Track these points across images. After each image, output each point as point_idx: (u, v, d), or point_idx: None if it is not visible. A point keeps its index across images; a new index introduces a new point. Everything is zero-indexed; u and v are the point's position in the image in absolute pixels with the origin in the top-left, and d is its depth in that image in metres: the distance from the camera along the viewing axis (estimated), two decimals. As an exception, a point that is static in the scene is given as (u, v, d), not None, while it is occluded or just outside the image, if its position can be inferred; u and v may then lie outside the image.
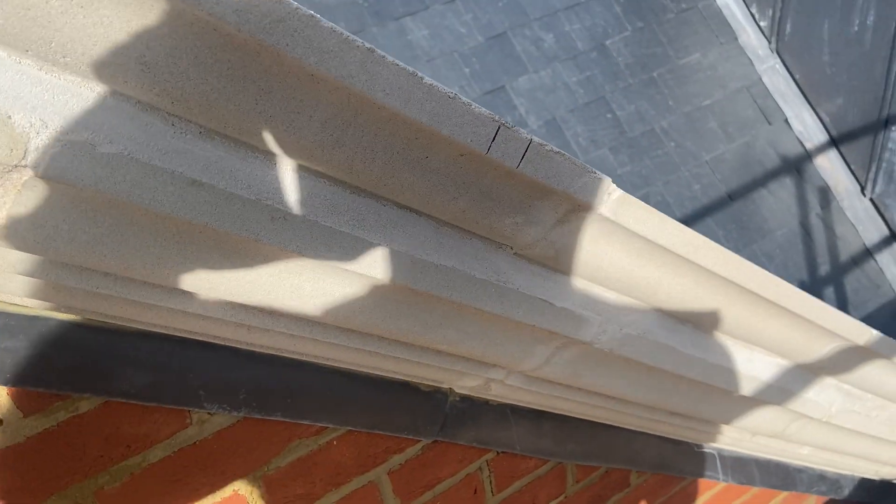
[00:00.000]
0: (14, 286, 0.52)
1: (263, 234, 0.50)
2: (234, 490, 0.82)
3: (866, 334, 0.92)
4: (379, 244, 0.56)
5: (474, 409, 0.96)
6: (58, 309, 0.60)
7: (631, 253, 0.67)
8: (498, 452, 1.05)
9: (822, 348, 0.93)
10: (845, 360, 1.00)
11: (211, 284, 0.54)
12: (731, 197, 3.67)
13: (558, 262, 0.66)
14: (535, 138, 0.52)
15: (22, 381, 0.61)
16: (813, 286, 3.70)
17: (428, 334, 0.68)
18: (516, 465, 1.09)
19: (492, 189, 0.55)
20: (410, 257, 0.58)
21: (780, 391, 1.00)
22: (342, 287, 0.59)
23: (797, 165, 3.84)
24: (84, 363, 0.64)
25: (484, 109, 0.49)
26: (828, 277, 3.74)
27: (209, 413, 0.75)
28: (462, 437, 0.97)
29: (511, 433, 1.02)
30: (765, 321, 0.83)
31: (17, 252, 0.48)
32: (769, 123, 3.85)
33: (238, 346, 0.71)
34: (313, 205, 0.51)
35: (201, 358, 0.70)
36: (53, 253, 0.46)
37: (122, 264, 0.48)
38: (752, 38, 3.92)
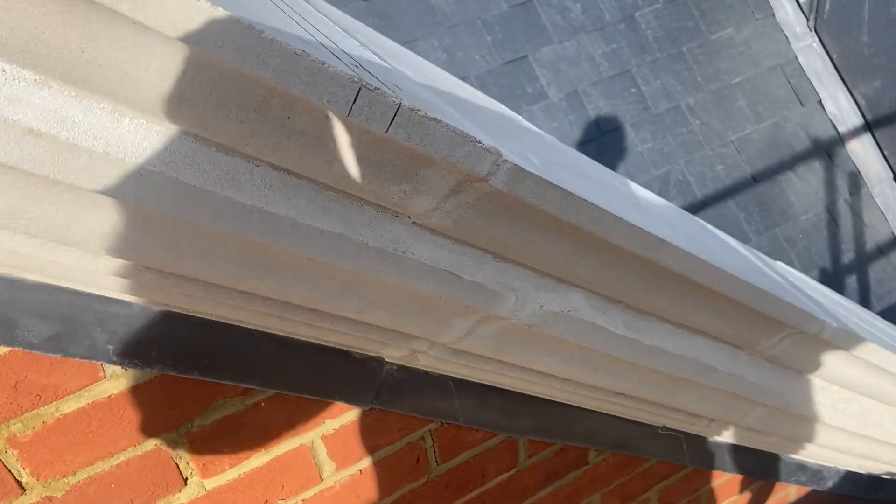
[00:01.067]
0: None
1: (118, 190, 0.49)
2: (155, 444, 0.82)
3: (816, 325, 0.88)
4: (253, 205, 0.54)
5: (413, 379, 0.95)
6: (-52, 256, 0.60)
7: (535, 228, 0.64)
8: (442, 423, 1.04)
9: (769, 338, 0.89)
10: (800, 351, 0.96)
11: (78, 238, 0.53)
12: (756, 179, 3.56)
13: (461, 234, 0.65)
14: (406, 102, 0.50)
15: (-84, 325, 0.62)
16: (835, 274, 3.59)
17: (330, 301, 0.67)
18: (462, 436, 1.08)
19: (368, 154, 0.54)
20: (292, 222, 0.57)
21: (729, 377, 0.97)
22: (223, 247, 0.58)
23: (828, 149, 3.69)
24: (-17, 311, 0.64)
25: (343, 69, 0.47)
26: (851, 266, 3.62)
27: (123, 368, 0.76)
28: (399, 405, 0.97)
29: (454, 404, 1.01)
30: (697, 307, 0.80)
31: None
32: (802, 104, 3.70)
33: (149, 305, 0.72)
34: (173, 161, 0.50)
35: (110, 312, 0.71)
36: None
37: (-29, 213, 0.48)
38: (789, 14, 3.76)
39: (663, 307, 0.81)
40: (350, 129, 0.51)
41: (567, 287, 0.74)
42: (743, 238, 3.51)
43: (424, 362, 0.89)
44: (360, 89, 0.48)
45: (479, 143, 0.54)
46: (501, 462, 1.16)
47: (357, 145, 0.53)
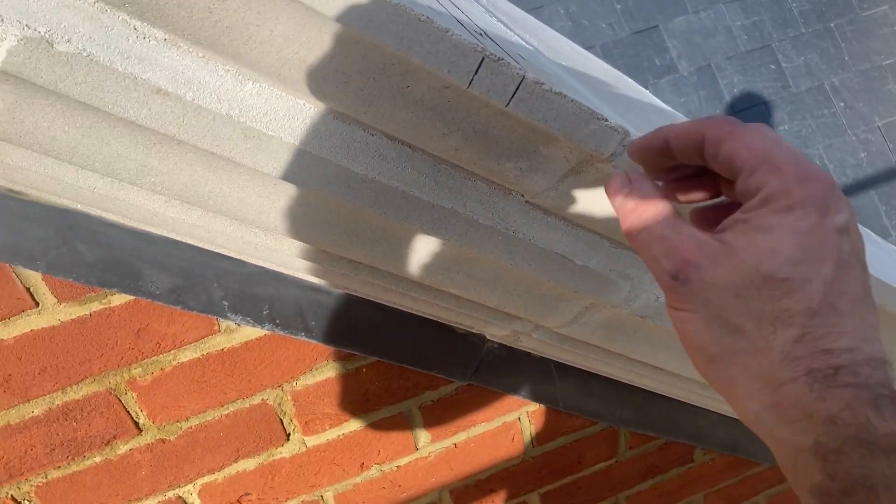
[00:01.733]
0: (26, 180, 0.56)
1: (236, 152, 0.50)
2: (262, 399, 0.85)
3: None
4: (366, 175, 0.54)
5: (513, 358, 0.93)
6: (83, 206, 0.64)
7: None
8: (540, 405, 1.02)
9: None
10: None
11: (198, 197, 0.54)
12: (903, 170, 3.25)
13: (578, 217, 0.61)
14: (531, 75, 0.47)
15: (54, 269, 0.66)
16: None
17: (434, 276, 0.66)
18: (561, 421, 1.05)
19: (487, 128, 0.51)
20: (403, 193, 0.56)
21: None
22: (332, 214, 0.58)
23: None
24: (113, 260, 0.68)
25: (466, 38, 0.45)
26: None
27: (236, 323, 0.78)
28: (498, 384, 0.95)
29: (554, 388, 0.99)
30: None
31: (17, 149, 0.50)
32: (963, 90, 3.33)
33: (262, 265, 0.73)
34: (290, 127, 0.50)
35: (227, 270, 0.73)
36: (38, 148, 0.48)
37: (103, 166, 0.50)
38: (958, -11, 3.36)
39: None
40: (469, 100, 0.49)
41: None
42: (882, 233, 3.23)
43: (527, 344, 0.86)
44: (482, 59, 0.45)
45: (606, 120, 0.50)
46: (600, 451, 1.13)
47: (475, 118, 0.50)
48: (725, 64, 3.44)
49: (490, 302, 0.70)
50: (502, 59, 0.46)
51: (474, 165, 0.55)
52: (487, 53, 0.45)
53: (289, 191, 0.55)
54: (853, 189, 3.28)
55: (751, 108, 3.37)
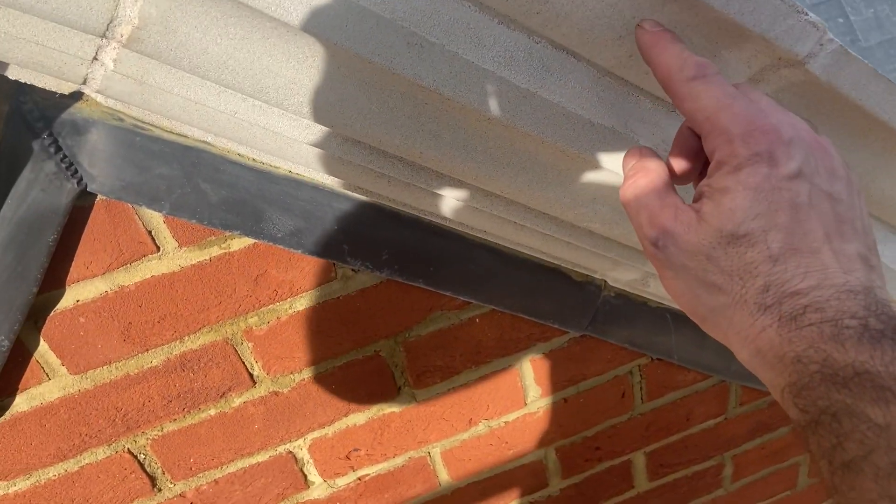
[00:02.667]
0: (163, 106, 0.53)
1: (397, 62, 0.46)
2: (375, 350, 0.82)
3: None
4: (527, 89, 0.49)
5: (630, 308, 0.88)
6: (215, 137, 0.60)
7: (842, 134, 0.54)
8: (652, 359, 0.97)
9: None
10: None
11: (344, 119, 0.51)
12: None
13: (744, 136, 0.56)
14: (730, -40, 0.42)
15: (178, 210, 0.63)
16: None
17: (578, 209, 0.62)
18: (672, 375, 1.01)
19: (669, 29, 0.46)
20: (563, 110, 0.51)
21: None
22: (480, 140, 0.53)
23: None
24: (236, 200, 0.65)
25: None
26: None
27: (353, 270, 0.75)
28: (613, 335, 0.91)
29: (669, 339, 0.94)
30: None
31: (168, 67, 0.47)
32: None
33: (384, 205, 0.69)
34: (455, 33, 0.46)
35: (347, 212, 0.69)
36: (187, 65, 0.45)
37: (252, 83, 0.46)
38: None
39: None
40: (657, -7, 0.44)
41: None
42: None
43: (654, 289, 0.82)
44: (684, -60, 0.40)
45: (806, 14, 0.45)
46: (709, 407, 1.08)
47: (659, 16, 0.45)
48: (791, 18, 3.29)
49: (631, 239, 0.66)
50: (703, -60, 0.41)
51: (644, 76, 0.50)
52: (688, -67, 0.40)
53: (441, 109, 0.51)
54: (932, 145, 3.12)
55: (819, 64, 3.22)
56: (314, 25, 0.43)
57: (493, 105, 0.50)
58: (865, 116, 0.52)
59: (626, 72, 0.50)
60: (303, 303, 0.76)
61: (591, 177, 0.58)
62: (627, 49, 0.48)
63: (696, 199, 0.41)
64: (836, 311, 0.34)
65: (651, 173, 0.43)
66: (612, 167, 0.56)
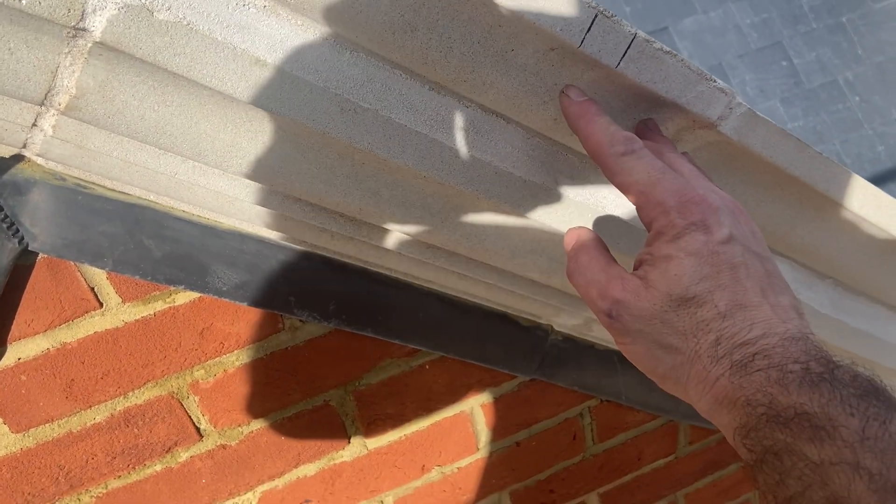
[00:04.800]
0: (103, 168, 0.54)
1: (332, 126, 0.47)
2: (325, 400, 0.83)
3: None
4: (459, 149, 0.51)
5: (577, 351, 0.90)
6: (157, 196, 0.61)
7: (752, 187, 0.57)
8: (602, 400, 0.99)
9: None
10: None
11: (284, 179, 0.52)
12: (923, 161, 3.22)
13: (669, 190, 0.59)
14: (641, 33, 0.45)
15: (120, 266, 0.64)
16: None
17: (517, 259, 0.64)
18: (622, 416, 1.02)
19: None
20: (495, 169, 0.54)
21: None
22: (417, 196, 0.55)
23: None
24: (180, 255, 0.65)
25: (578, -6, 0.43)
26: None
27: (301, 321, 0.76)
28: (562, 378, 0.92)
29: (617, 381, 0.96)
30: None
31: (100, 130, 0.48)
32: (980, 79, 3.31)
33: (330, 256, 0.71)
34: (388, 99, 0.48)
35: (293, 264, 0.70)
36: (125, 130, 0.46)
37: (190, 147, 0.48)
38: (970, -22, 3.36)
39: (881, 287, 0.72)
40: (575, 63, 0.46)
41: (775, 256, 0.67)
42: (905, 226, 3.19)
43: (598, 333, 0.84)
44: (596, 16, 0.43)
45: (715, 81, 0.48)
46: (660, 446, 1.10)
47: (579, 83, 0.48)
48: (737, 62, 3.44)
49: (570, 287, 0.68)
50: (615, 15, 0.44)
51: (570, 137, 0.53)
52: (601, 10, 0.43)
53: (379, 169, 0.52)
54: (873, 182, 3.24)
55: (765, 105, 3.35)
56: (249, 95, 0.44)
57: (428, 165, 0.52)
58: (778, 172, 0.55)
59: (553, 133, 0.52)
60: (250, 355, 0.76)
61: (527, 230, 0.61)
62: (552, 113, 0.50)
63: (637, 266, 0.44)
64: (781, 357, 0.36)
65: (591, 250, 0.46)
66: (546, 221, 0.59)
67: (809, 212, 0.61)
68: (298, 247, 0.69)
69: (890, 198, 0.59)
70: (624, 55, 0.45)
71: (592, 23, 0.43)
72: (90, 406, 0.72)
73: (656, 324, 0.41)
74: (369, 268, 0.72)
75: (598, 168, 0.56)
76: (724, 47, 3.42)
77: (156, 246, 0.64)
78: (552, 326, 0.85)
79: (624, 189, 0.44)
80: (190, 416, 0.77)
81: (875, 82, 3.34)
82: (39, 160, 0.54)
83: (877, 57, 3.33)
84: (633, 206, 0.47)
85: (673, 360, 0.41)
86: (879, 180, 3.27)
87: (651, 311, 0.41)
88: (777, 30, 3.43)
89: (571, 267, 0.47)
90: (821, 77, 3.39)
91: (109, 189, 0.60)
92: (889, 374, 0.88)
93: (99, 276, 0.65)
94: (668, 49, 0.46)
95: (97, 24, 0.39)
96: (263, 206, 0.57)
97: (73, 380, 0.70)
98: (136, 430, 0.75)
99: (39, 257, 0.62)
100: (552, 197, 0.56)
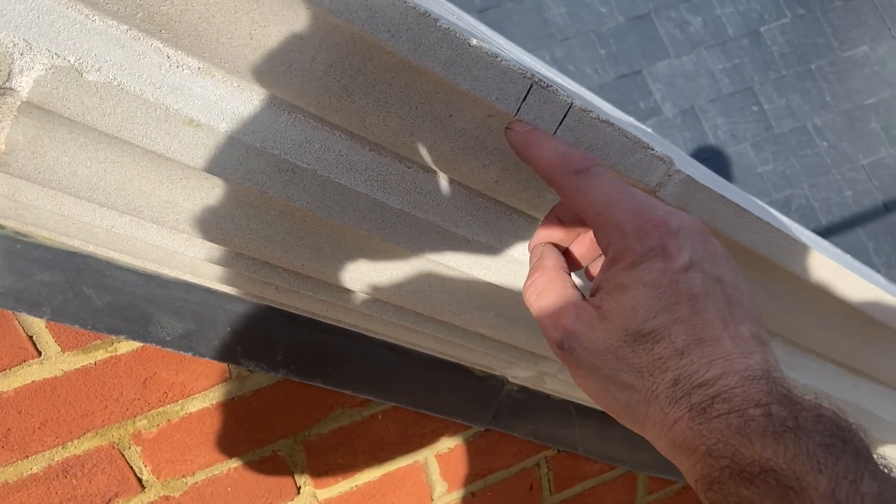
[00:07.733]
0: (38, 220, 0.53)
1: (269, 185, 0.47)
2: (273, 450, 0.81)
3: None
4: (401, 209, 0.51)
5: (533, 401, 0.90)
6: (95, 248, 0.60)
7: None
8: (559, 451, 0.98)
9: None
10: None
11: (223, 235, 0.51)
12: (888, 207, 3.29)
13: (615, 251, 0.59)
14: (578, 102, 0.45)
15: (60, 315, 0.62)
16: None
17: (464, 315, 0.63)
18: (579, 466, 1.01)
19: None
20: (438, 228, 0.53)
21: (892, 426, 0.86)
22: (360, 252, 0.55)
23: (973, 177, 3.37)
24: (122, 305, 0.64)
25: (516, 64, 0.43)
26: None
27: (248, 370, 0.74)
28: (518, 429, 0.92)
29: (573, 432, 0.95)
30: (873, 348, 0.70)
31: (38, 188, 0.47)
32: (943, 128, 3.40)
33: (277, 307, 0.70)
34: (327, 160, 0.48)
35: (240, 314, 0.69)
36: (57, 185, 0.45)
37: (125, 203, 0.47)
38: (932, 30, 3.47)
39: (828, 345, 0.73)
40: (514, 130, 0.47)
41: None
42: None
43: (551, 385, 0.83)
44: (531, 86, 0.44)
45: (652, 149, 0.49)
46: (618, 497, 1.09)
47: (519, 148, 0.48)
48: (709, 106, 3.50)
49: (520, 342, 0.68)
50: (550, 85, 0.44)
51: (513, 198, 0.53)
52: (536, 80, 0.44)
53: (319, 228, 0.52)
54: (840, 227, 3.31)
55: (735, 149, 3.41)
56: (182, 154, 0.44)
57: (369, 224, 0.51)
58: (719, 236, 0.56)
59: (496, 194, 0.53)
60: (195, 404, 0.74)
61: (473, 286, 0.60)
62: (494, 176, 0.50)
63: (594, 292, 0.41)
64: (742, 400, 0.34)
65: (548, 271, 0.44)
66: (491, 279, 0.58)
67: (753, 273, 0.62)
68: (244, 296, 0.68)
69: (830, 260, 0.60)
70: (560, 123, 0.46)
71: (528, 92, 0.44)
72: (27, 456, 0.70)
73: (611, 359, 0.38)
74: (318, 319, 0.71)
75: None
76: (697, 91, 3.49)
77: (97, 295, 0.63)
78: (506, 377, 0.85)
79: (580, 210, 0.41)
80: (132, 467, 0.75)
81: (843, 129, 3.42)
82: (-27, 210, 0.53)
83: (845, 104, 3.41)
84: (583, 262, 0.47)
85: (628, 398, 0.38)
86: (847, 225, 3.33)
87: (605, 346, 0.38)
88: (748, 76, 3.50)
89: (527, 288, 0.44)
90: (790, 122, 3.46)
91: (48, 238, 0.59)
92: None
93: (38, 324, 0.64)
94: (604, 118, 0.46)
95: (24, 85, 0.39)
96: (205, 259, 0.56)
97: (9, 429, 0.68)
98: (74, 482, 0.73)
99: (-26, 306, 0.61)
100: (497, 256, 0.56)
